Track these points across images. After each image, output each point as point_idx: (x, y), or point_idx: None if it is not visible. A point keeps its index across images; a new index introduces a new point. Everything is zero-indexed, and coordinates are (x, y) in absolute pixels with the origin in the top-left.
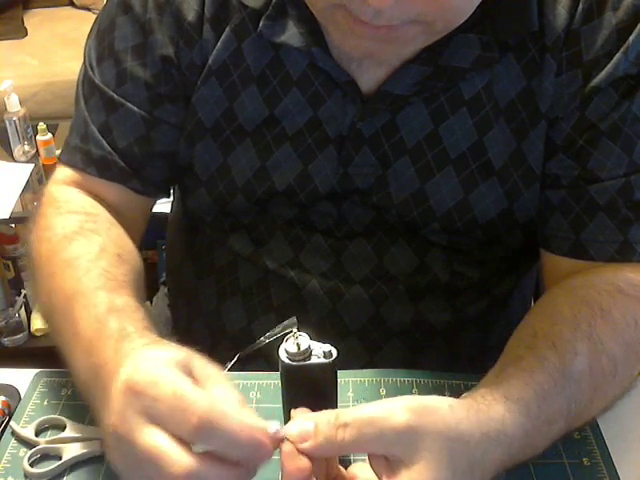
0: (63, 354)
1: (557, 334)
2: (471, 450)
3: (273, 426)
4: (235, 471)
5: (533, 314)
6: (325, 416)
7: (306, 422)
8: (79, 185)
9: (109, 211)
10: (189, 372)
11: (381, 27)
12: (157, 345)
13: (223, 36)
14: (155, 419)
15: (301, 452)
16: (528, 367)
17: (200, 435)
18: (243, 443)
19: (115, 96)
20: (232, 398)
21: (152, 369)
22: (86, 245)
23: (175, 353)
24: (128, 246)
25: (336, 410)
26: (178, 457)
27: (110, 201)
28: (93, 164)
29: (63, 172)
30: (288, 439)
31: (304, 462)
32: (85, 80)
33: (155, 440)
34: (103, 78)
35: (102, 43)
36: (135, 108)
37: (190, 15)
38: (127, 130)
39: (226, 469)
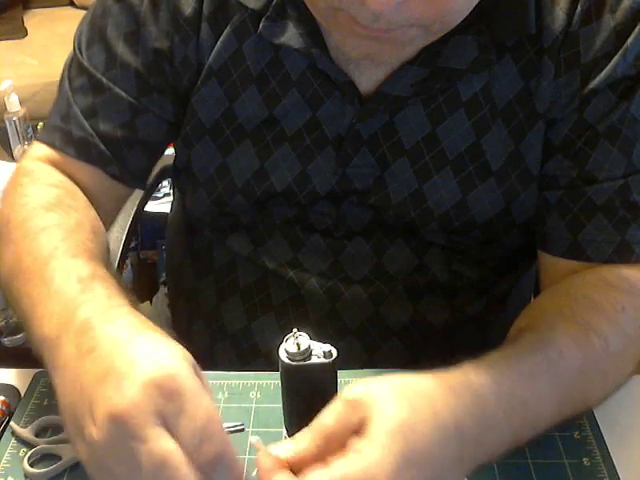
0: (23, 313)
1: (537, 322)
2: (432, 398)
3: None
4: None
5: (519, 317)
6: (302, 433)
7: (288, 441)
8: (54, 164)
9: (86, 195)
10: (197, 375)
11: (380, 32)
12: (156, 333)
13: (223, 36)
14: (171, 427)
15: None
16: (500, 348)
17: (209, 467)
18: None
19: (104, 79)
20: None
21: (182, 373)
22: (64, 217)
23: (186, 352)
24: (101, 228)
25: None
26: (187, 475)
27: (85, 184)
28: (72, 145)
29: (40, 149)
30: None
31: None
32: (73, 63)
33: (169, 449)
34: (92, 62)
35: (94, 28)
36: (123, 93)
37: (187, 11)
38: (112, 114)
39: None
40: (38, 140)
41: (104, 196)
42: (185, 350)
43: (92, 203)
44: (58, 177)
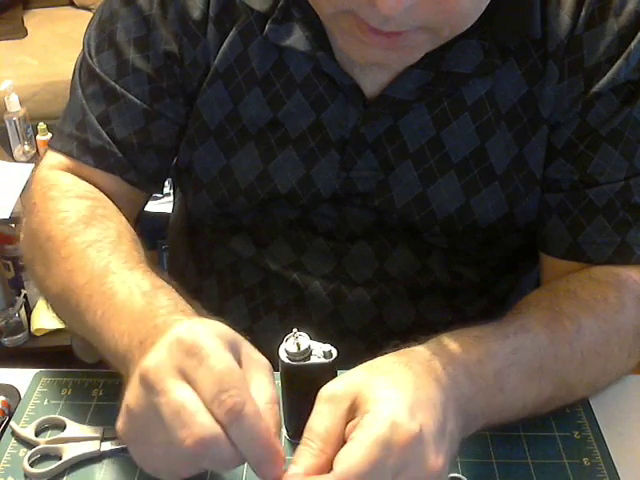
0: (86, 327)
1: (514, 313)
2: (418, 373)
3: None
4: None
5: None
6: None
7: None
8: (73, 173)
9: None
10: (236, 353)
11: (389, 35)
12: (213, 321)
13: (229, 38)
14: (192, 380)
15: None
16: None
17: (228, 419)
18: (258, 446)
19: (117, 87)
20: (268, 395)
21: (206, 335)
22: (104, 229)
23: (228, 330)
24: (134, 233)
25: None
26: (203, 420)
27: (104, 191)
28: (89, 153)
29: (55, 158)
30: None
31: None
32: (83, 68)
33: (186, 397)
34: (103, 68)
35: (103, 33)
36: (136, 100)
37: (195, 14)
38: (127, 121)
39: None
40: (53, 149)
41: (122, 202)
42: (231, 330)
43: None
44: (84, 187)
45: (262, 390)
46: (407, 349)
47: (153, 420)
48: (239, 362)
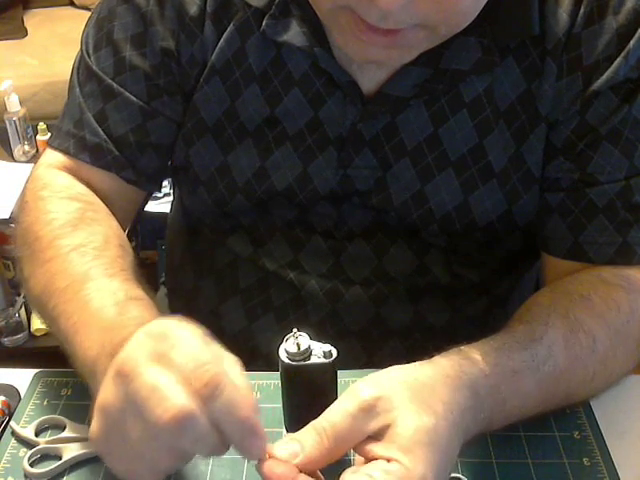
0: (60, 332)
1: (532, 316)
2: (437, 391)
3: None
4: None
5: (518, 310)
6: (306, 433)
7: (291, 442)
8: (70, 171)
9: (102, 200)
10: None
11: (387, 33)
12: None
13: (226, 34)
14: (167, 363)
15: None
16: (491, 338)
17: (206, 392)
18: (239, 419)
19: (114, 84)
20: (242, 380)
21: (175, 324)
22: (90, 234)
23: (198, 328)
24: (124, 239)
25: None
26: (179, 395)
27: (101, 189)
28: (87, 151)
29: (53, 156)
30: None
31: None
32: (81, 66)
33: (158, 378)
34: (100, 66)
35: (100, 31)
36: (133, 97)
37: (192, 10)
38: (124, 119)
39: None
40: (51, 146)
41: (120, 200)
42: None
43: (109, 208)
44: (77, 189)
45: (235, 377)
46: (448, 368)
47: (129, 410)
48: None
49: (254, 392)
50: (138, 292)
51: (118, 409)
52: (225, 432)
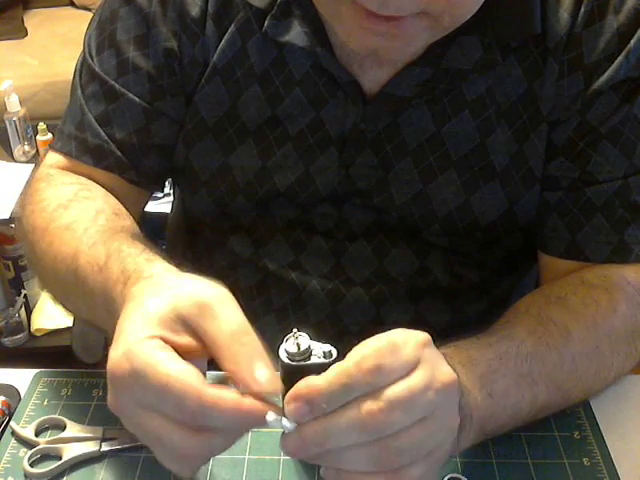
0: (81, 312)
1: (501, 322)
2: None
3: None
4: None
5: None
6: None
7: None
8: (72, 171)
9: None
10: (186, 327)
11: (388, 19)
12: (155, 290)
13: (227, 34)
14: (149, 408)
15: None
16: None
17: (198, 420)
18: (242, 418)
19: (116, 86)
20: (234, 325)
21: (134, 354)
22: (82, 209)
23: (156, 319)
24: (124, 210)
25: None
26: (181, 443)
27: None
28: (88, 153)
29: (55, 158)
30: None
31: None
32: (84, 68)
33: (156, 428)
34: (103, 67)
35: (103, 33)
36: (136, 99)
37: (194, 11)
38: (126, 121)
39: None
40: (53, 149)
41: (123, 202)
42: (173, 301)
43: None
44: (74, 177)
45: (228, 322)
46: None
47: (145, 391)
48: (201, 316)
49: None
50: (115, 245)
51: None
52: (234, 432)
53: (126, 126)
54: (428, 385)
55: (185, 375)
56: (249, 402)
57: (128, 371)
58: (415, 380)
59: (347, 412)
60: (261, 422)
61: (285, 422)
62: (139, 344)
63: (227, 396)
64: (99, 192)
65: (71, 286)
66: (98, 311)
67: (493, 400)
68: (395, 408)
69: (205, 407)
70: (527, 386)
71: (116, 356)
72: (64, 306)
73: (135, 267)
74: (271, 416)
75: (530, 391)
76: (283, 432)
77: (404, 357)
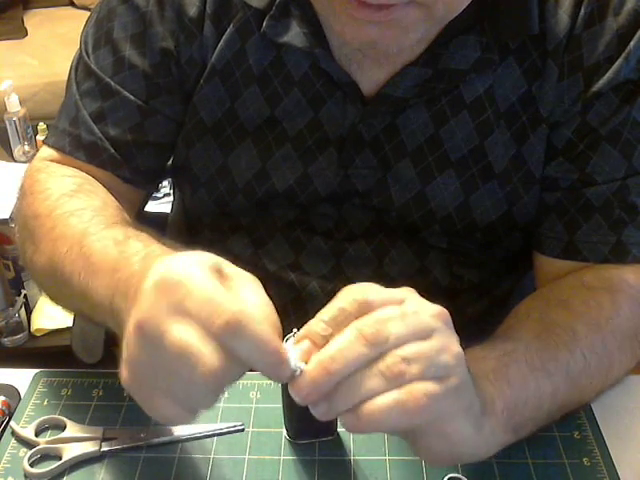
0: (74, 294)
1: (504, 327)
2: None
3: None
4: None
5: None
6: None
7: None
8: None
9: None
10: (220, 274)
11: (380, 8)
12: (187, 252)
13: (226, 35)
14: (185, 314)
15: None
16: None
17: (228, 334)
18: (266, 352)
19: (112, 83)
20: (260, 299)
21: (185, 266)
22: (88, 200)
23: (206, 256)
24: (120, 206)
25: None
26: (209, 355)
27: None
28: (82, 149)
29: (48, 152)
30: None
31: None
32: (79, 65)
33: (186, 335)
34: (99, 64)
35: (100, 30)
36: (131, 97)
37: (192, 11)
38: (121, 118)
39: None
40: (47, 144)
41: (117, 200)
42: (209, 255)
43: None
44: (72, 171)
45: (253, 297)
46: None
47: (163, 366)
48: (226, 282)
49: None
50: (136, 231)
51: (148, 367)
52: (254, 367)
53: (121, 123)
54: (418, 310)
55: (228, 293)
56: (278, 340)
57: (177, 277)
58: (407, 306)
59: (346, 332)
60: (281, 360)
61: (297, 362)
62: (190, 258)
63: (263, 321)
64: (100, 188)
65: (71, 261)
66: (102, 280)
67: (513, 390)
68: (389, 320)
69: (242, 321)
70: (543, 378)
71: (166, 266)
72: (50, 285)
73: (161, 249)
74: (289, 344)
75: (549, 383)
76: (293, 377)
77: (391, 292)
